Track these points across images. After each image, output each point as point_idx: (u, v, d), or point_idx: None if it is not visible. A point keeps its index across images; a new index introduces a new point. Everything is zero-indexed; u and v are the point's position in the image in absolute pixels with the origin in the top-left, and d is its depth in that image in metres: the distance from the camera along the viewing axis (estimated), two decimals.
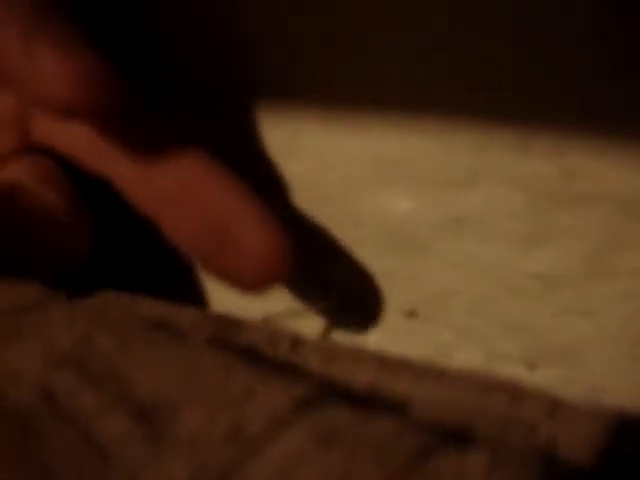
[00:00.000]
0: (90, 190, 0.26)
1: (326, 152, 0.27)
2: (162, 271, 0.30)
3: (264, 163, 0.28)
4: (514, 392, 0.20)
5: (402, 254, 0.27)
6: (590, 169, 0.24)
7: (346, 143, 0.27)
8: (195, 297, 0.30)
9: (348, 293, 0.27)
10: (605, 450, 0.18)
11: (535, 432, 0.19)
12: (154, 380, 0.17)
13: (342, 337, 0.28)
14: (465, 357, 0.26)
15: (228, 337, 0.21)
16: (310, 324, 0.28)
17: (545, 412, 0.19)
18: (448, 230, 0.26)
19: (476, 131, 0.25)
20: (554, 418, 0.19)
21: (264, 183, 0.28)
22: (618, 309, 0.25)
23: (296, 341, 0.21)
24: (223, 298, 0.29)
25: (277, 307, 0.28)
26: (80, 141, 0.25)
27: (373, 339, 0.27)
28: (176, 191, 0.24)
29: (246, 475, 0.15)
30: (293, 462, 0.15)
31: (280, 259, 0.23)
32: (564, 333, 0.25)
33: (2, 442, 0.16)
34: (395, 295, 0.27)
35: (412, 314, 0.27)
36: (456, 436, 0.17)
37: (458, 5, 0.24)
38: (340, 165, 0.27)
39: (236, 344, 0.20)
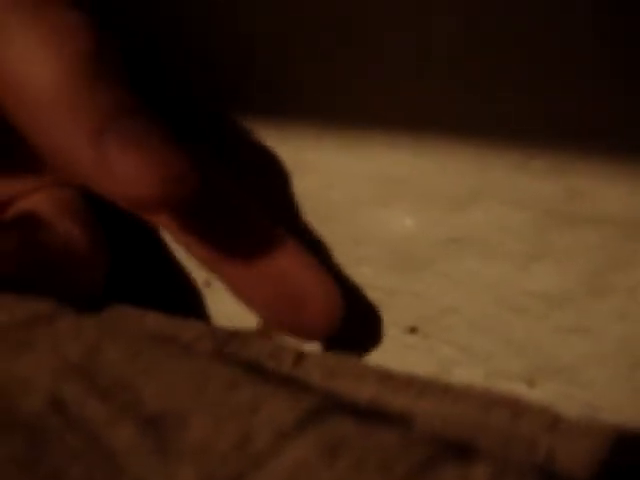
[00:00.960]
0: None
1: (329, 170, 0.28)
2: (162, 283, 0.30)
3: (267, 180, 0.28)
4: (515, 408, 0.20)
5: (404, 271, 0.27)
6: (591, 189, 0.25)
7: (349, 161, 0.27)
8: (195, 309, 0.30)
9: (350, 308, 0.28)
10: (604, 466, 0.19)
11: (535, 447, 0.19)
12: (161, 391, 0.17)
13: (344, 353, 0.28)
14: (465, 374, 0.27)
15: (232, 351, 0.21)
16: None
17: (545, 427, 0.19)
18: (450, 248, 0.27)
19: (478, 150, 0.26)
20: (554, 433, 0.19)
21: (267, 200, 0.28)
22: (616, 327, 0.25)
23: (299, 356, 0.22)
24: (223, 310, 0.29)
25: None
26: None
27: (374, 355, 0.27)
28: (247, 260, 0.26)
29: None
30: (299, 473, 0.16)
31: (340, 315, 0.26)
32: (563, 351, 0.26)
33: (13, 448, 0.16)
34: (396, 312, 0.27)
35: (413, 331, 0.27)
36: (459, 449, 0.17)
37: (459, 21, 0.24)
38: (343, 183, 0.27)
39: (240, 358, 0.20)
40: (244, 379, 0.18)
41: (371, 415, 0.18)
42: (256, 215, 0.26)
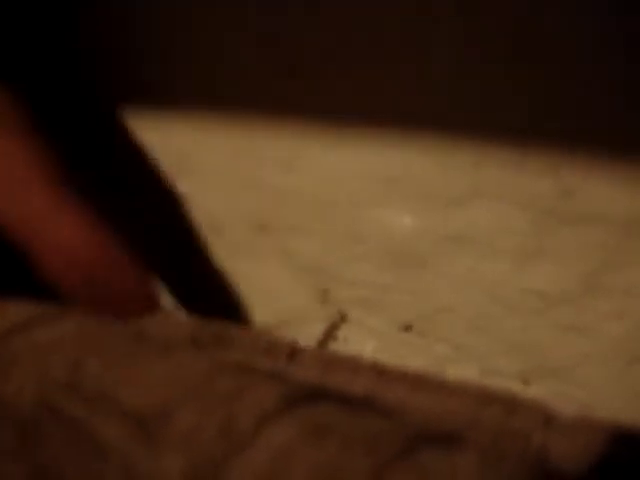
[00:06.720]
0: None
1: (327, 167, 0.28)
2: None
3: (266, 177, 0.28)
4: (509, 404, 0.20)
5: (401, 269, 0.27)
6: (587, 188, 0.25)
7: (347, 159, 0.27)
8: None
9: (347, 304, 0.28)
10: (597, 461, 0.19)
11: (528, 442, 0.19)
12: (144, 393, 0.18)
13: (339, 349, 0.28)
14: (460, 371, 0.26)
15: (224, 345, 0.21)
16: (308, 332, 0.28)
17: (539, 423, 0.19)
18: (446, 246, 0.26)
19: (475, 149, 0.26)
20: (548, 429, 0.19)
21: (265, 197, 0.28)
22: (613, 326, 0.25)
23: (294, 350, 0.22)
24: None
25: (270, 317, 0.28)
26: None
27: (370, 351, 0.27)
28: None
29: (239, 466, 0.16)
30: (284, 455, 0.16)
31: (144, 301, 0.24)
32: (559, 349, 0.26)
33: (5, 441, 0.16)
34: (392, 309, 0.27)
35: (408, 328, 0.27)
36: (448, 439, 0.17)
37: (458, 21, 0.25)
38: (341, 180, 0.27)
39: (223, 351, 0.21)
40: (228, 368, 0.18)
41: (362, 405, 0.18)
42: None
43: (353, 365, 0.21)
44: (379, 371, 0.21)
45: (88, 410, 0.17)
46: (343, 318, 0.28)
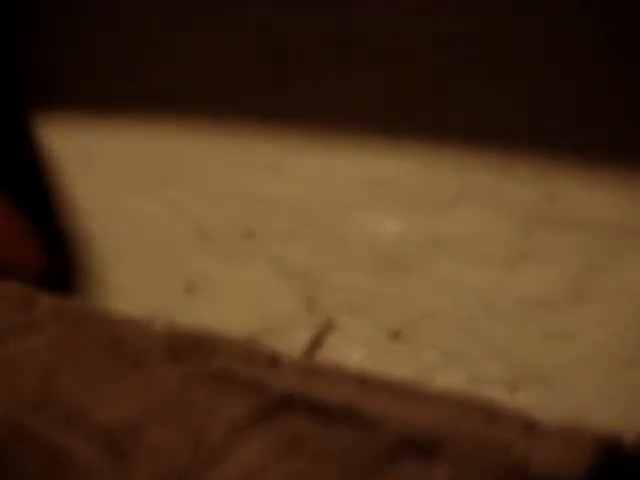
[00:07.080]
0: None
1: (313, 172, 0.27)
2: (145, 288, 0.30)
3: (253, 184, 0.28)
4: (490, 412, 0.20)
5: (387, 275, 0.27)
6: (572, 194, 0.24)
7: (333, 164, 0.27)
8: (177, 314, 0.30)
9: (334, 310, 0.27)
10: (578, 470, 0.18)
11: (509, 451, 0.19)
12: (116, 407, 0.18)
13: (326, 356, 0.28)
14: (448, 378, 0.26)
15: (203, 354, 0.21)
16: (295, 340, 0.28)
17: (520, 432, 0.19)
18: (433, 252, 0.26)
19: (462, 155, 0.25)
20: (529, 438, 0.19)
21: (252, 203, 0.28)
22: (600, 332, 0.25)
23: (274, 359, 0.21)
24: (206, 315, 0.29)
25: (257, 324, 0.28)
26: None
27: (356, 359, 0.27)
28: None
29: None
30: (255, 469, 0.16)
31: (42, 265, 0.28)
32: (546, 355, 0.25)
33: None
34: (380, 315, 0.27)
35: (396, 335, 0.27)
36: (424, 449, 0.17)
37: (449, 28, 0.24)
38: (327, 186, 0.27)
39: (199, 362, 0.20)
40: (201, 381, 0.18)
41: (340, 416, 0.18)
42: None
43: (334, 374, 0.21)
44: (360, 380, 0.21)
45: (58, 426, 0.17)
46: (330, 325, 0.28)
